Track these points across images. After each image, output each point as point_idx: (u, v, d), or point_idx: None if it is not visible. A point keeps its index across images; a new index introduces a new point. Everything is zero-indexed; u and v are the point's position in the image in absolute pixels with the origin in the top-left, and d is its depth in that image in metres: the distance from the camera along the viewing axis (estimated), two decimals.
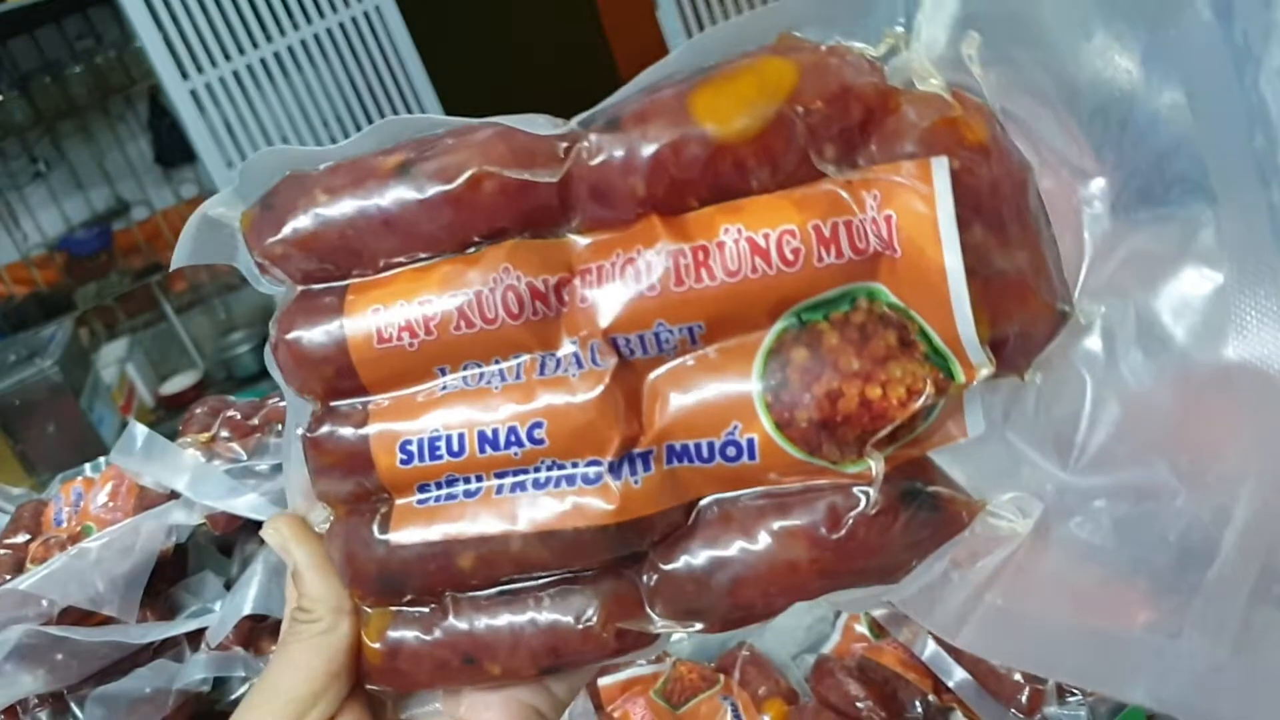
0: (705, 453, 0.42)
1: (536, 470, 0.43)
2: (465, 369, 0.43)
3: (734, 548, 0.42)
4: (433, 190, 0.42)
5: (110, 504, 1.07)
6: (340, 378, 0.44)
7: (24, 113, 3.97)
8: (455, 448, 0.43)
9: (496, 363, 0.43)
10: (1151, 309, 0.38)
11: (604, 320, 0.41)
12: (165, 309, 4.26)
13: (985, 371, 0.39)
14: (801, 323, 0.40)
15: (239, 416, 1.14)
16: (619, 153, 0.40)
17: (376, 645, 0.46)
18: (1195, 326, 0.37)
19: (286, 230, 0.44)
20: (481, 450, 0.43)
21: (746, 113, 0.39)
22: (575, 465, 0.43)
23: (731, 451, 0.41)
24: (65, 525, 1.09)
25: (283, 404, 0.65)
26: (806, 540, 0.41)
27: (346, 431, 0.45)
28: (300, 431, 0.47)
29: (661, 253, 0.40)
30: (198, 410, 1.20)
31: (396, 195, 0.42)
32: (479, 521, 0.44)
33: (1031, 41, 0.38)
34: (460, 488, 0.44)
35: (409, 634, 0.46)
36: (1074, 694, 0.85)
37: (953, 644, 0.41)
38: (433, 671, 0.46)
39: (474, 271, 0.42)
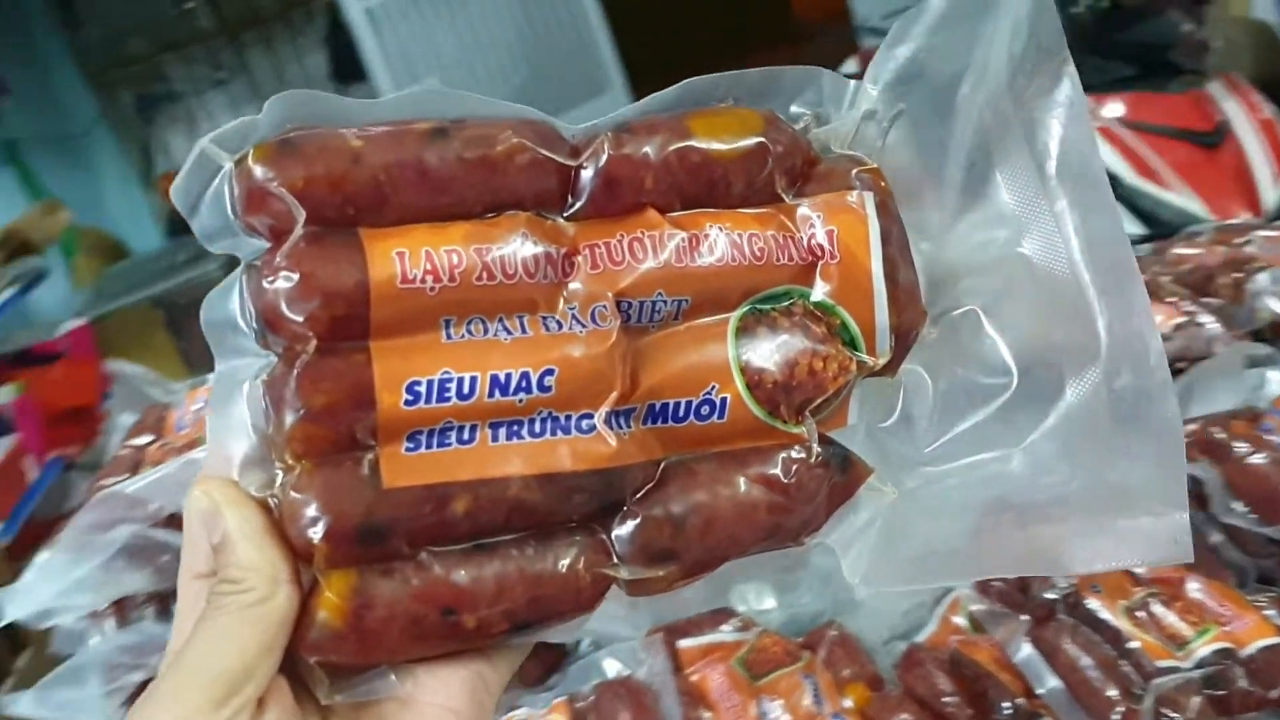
0: (681, 411, 0.49)
1: (532, 421, 0.46)
2: (470, 324, 0.46)
3: (703, 494, 0.49)
4: (471, 151, 0.46)
5: None
6: (349, 316, 0.44)
7: (210, 20, 3.73)
8: (466, 390, 0.45)
9: (500, 320, 0.46)
10: (975, 333, 0.53)
11: (615, 284, 0.48)
12: None
13: (884, 359, 0.51)
14: (757, 311, 0.50)
15: None
16: (634, 150, 0.49)
17: (341, 607, 0.44)
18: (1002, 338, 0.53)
19: (315, 165, 0.44)
20: (490, 394, 0.45)
21: (734, 138, 0.50)
22: (569, 418, 0.47)
23: (705, 410, 0.49)
24: (185, 432, 1.04)
25: None
26: (764, 484, 0.50)
27: (349, 369, 0.44)
28: (263, 375, 0.45)
29: (665, 235, 0.49)
30: None
31: (435, 152, 0.46)
32: (479, 465, 0.45)
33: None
34: (454, 436, 0.45)
35: (382, 590, 0.45)
36: (1172, 716, 0.83)
37: (855, 583, 0.52)
38: (403, 630, 0.45)
39: (495, 231, 0.47)
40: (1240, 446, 1.01)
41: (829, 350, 0.50)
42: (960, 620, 1.06)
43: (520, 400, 0.46)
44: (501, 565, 0.46)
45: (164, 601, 0.96)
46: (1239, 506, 0.99)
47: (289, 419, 0.44)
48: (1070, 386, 0.51)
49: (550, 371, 0.46)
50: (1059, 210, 0.52)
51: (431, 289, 0.45)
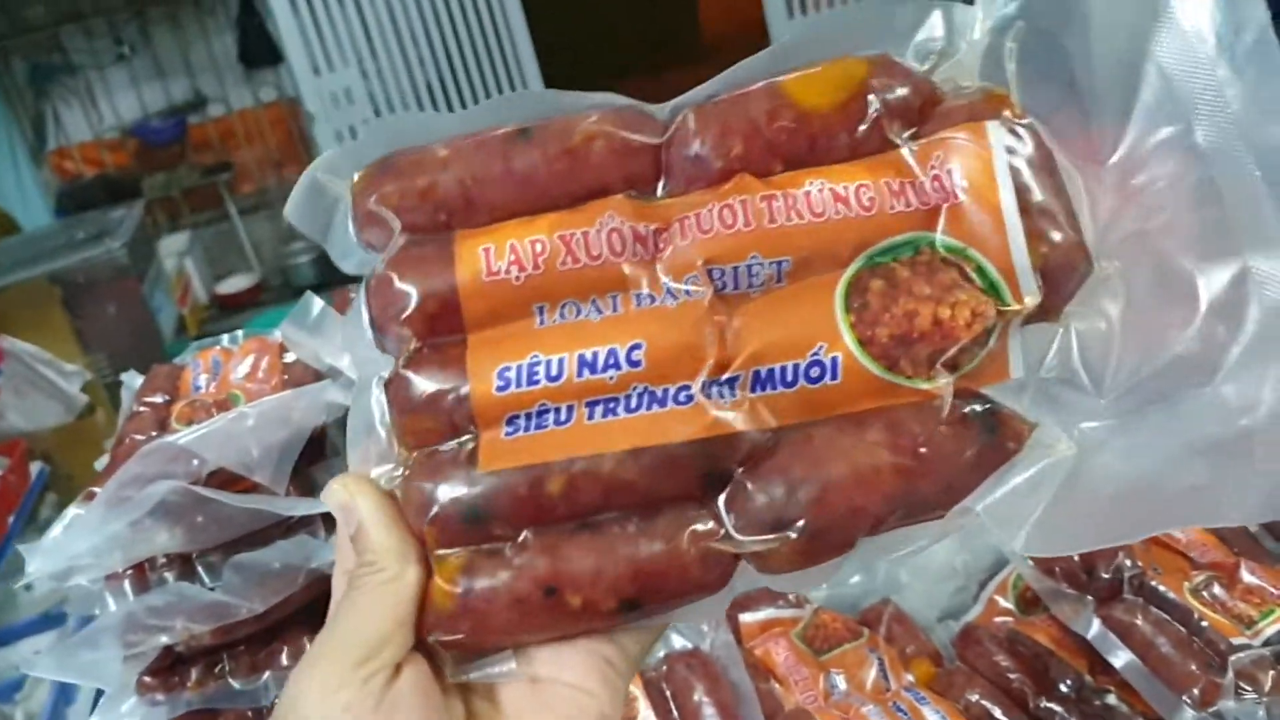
0: (790, 375, 0.46)
1: (628, 397, 0.46)
2: (563, 308, 0.47)
3: (820, 459, 0.46)
4: (552, 146, 0.48)
5: (255, 375, 1.06)
6: (442, 313, 0.47)
7: None
8: (554, 371, 0.46)
9: (593, 301, 0.47)
10: (1157, 259, 0.46)
11: (705, 251, 0.46)
12: (229, 209, 4.24)
13: (1031, 300, 0.46)
14: (874, 264, 0.47)
15: None
16: (718, 118, 0.48)
17: (450, 588, 0.46)
18: (1196, 267, 0.45)
19: (407, 180, 0.48)
20: (579, 374, 0.45)
21: (831, 90, 0.48)
22: (665, 391, 0.46)
23: (815, 372, 0.46)
24: (205, 391, 1.08)
25: None
26: (889, 447, 0.45)
27: (446, 361, 0.47)
28: (383, 376, 0.48)
29: (756, 196, 0.47)
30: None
31: (517, 151, 0.48)
32: (577, 444, 0.45)
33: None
34: (551, 418, 0.46)
35: (486, 570, 0.46)
36: (1249, 690, 0.83)
37: (1012, 549, 0.46)
38: (509, 608, 0.46)
39: (581, 216, 0.47)
40: None
41: (956, 297, 0.45)
42: (1007, 603, 1.06)
43: (610, 377, 0.46)
44: (602, 542, 0.46)
45: (187, 563, 0.92)
46: None
47: (400, 413, 0.47)
48: (1266, 292, 0.44)
49: (638, 346, 0.46)
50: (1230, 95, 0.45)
51: (517, 279, 0.47)
